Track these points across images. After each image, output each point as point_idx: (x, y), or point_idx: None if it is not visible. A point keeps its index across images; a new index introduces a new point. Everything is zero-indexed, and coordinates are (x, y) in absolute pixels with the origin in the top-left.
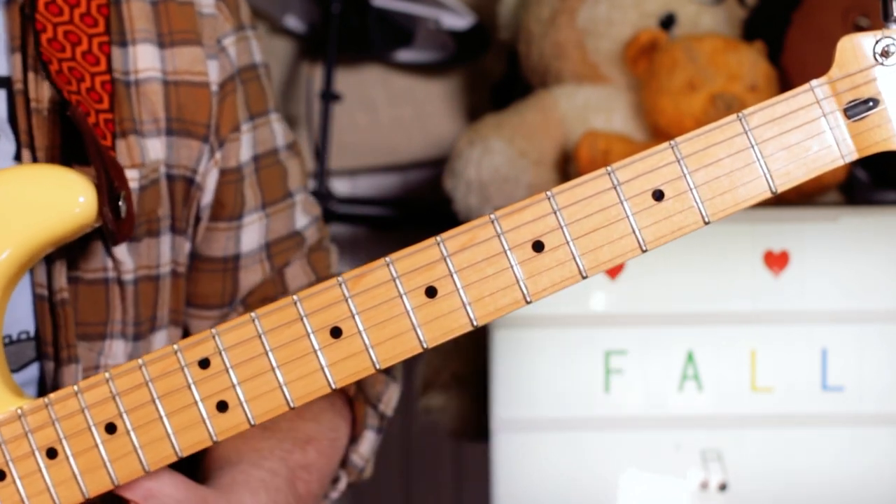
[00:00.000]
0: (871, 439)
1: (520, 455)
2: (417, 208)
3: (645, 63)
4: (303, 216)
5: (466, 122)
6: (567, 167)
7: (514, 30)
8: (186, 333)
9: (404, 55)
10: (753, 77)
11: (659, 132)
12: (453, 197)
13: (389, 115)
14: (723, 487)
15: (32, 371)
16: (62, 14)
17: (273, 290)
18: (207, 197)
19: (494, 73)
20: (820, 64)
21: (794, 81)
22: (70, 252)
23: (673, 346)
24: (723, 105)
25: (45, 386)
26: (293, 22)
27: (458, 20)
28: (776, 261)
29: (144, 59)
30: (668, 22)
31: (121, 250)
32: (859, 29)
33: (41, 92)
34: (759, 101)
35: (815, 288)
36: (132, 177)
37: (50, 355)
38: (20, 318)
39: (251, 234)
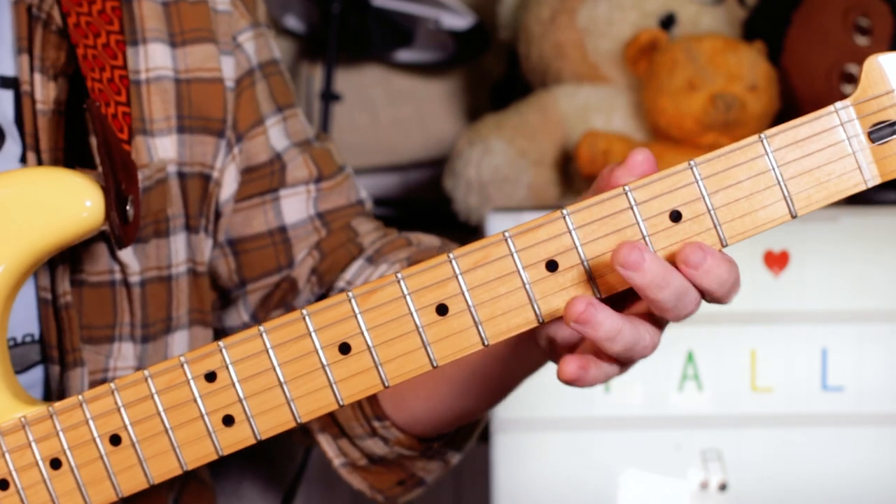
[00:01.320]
0: (871, 439)
1: (519, 455)
2: (417, 208)
3: (645, 63)
4: (362, 189)
5: (466, 122)
6: (567, 167)
7: (514, 30)
8: (252, 313)
9: (404, 55)
10: (753, 77)
11: (659, 132)
12: (453, 197)
13: (389, 115)
14: (723, 487)
15: (37, 373)
16: (82, 6)
17: (344, 236)
18: (227, 192)
19: (494, 73)
20: (820, 64)
21: (794, 81)
22: (74, 255)
23: (673, 346)
24: (723, 105)
25: (51, 389)
26: (293, 22)
27: (458, 20)
28: (776, 261)
29: (155, 58)
30: (668, 22)
31: (126, 253)
32: (860, 29)
33: (47, 93)
34: (759, 100)
35: (815, 288)
36: None
37: (55, 359)
38: (24, 320)
39: (296, 204)
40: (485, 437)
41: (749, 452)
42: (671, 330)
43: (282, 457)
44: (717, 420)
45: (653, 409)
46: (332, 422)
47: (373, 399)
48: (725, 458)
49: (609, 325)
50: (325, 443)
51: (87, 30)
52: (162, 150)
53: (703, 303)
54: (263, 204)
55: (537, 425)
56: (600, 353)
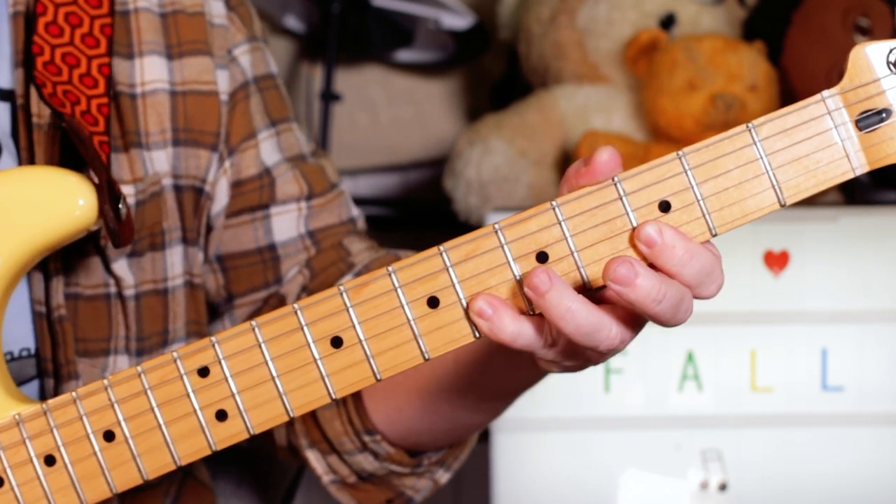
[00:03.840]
0: (871, 439)
1: (519, 455)
2: (417, 208)
3: (645, 63)
4: (354, 206)
5: (466, 122)
6: (567, 167)
7: (514, 30)
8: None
9: (404, 55)
10: (753, 77)
11: (659, 132)
12: (453, 197)
13: (389, 115)
14: (723, 487)
15: (33, 388)
16: (62, 35)
17: (335, 254)
18: (218, 206)
19: (494, 73)
20: (820, 64)
21: (794, 81)
22: (69, 268)
23: (673, 346)
24: (723, 105)
25: None
26: (293, 22)
27: (458, 20)
28: (776, 261)
29: (151, 71)
30: (668, 22)
31: (120, 266)
32: (860, 29)
33: (42, 107)
34: (759, 101)
35: (815, 288)
36: (129, 192)
37: (50, 372)
38: (20, 335)
39: (286, 222)
40: (485, 437)
41: (749, 452)
42: (671, 330)
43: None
44: (717, 420)
45: (653, 409)
46: (321, 438)
47: (363, 413)
48: (725, 458)
49: (589, 323)
50: (315, 459)
51: (61, 64)
52: (157, 163)
53: (703, 302)
54: (254, 221)
55: (537, 425)
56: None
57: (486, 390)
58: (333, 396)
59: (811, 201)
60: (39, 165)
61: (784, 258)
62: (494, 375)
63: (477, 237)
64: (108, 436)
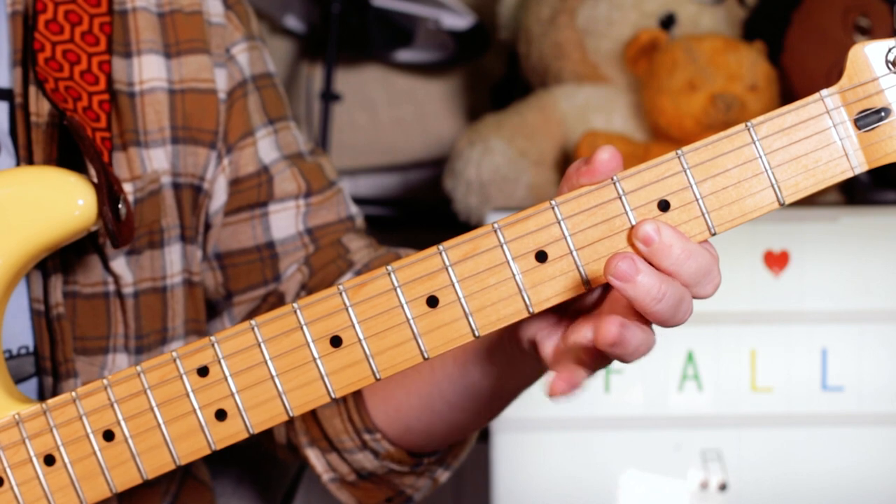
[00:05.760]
0: (871, 439)
1: (519, 455)
2: (417, 208)
3: (645, 63)
4: (353, 204)
5: (466, 122)
6: (567, 167)
7: (514, 30)
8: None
9: (404, 55)
10: (753, 77)
11: (659, 132)
12: (453, 197)
13: (389, 115)
14: (723, 487)
15: (31, 385)
16: (62, 32)
17: (334, 252)
18: (216, 204)
19: (494, 73)
20: (820, 64)
21: (794, 81)
22: (67, 266)
23: (673, 346)
24: (723, 105)
25: (44, 400)
26: (293, 22)
27: (458, 20)
28: (776, 261)
29: (150, 70)
30: (668, 22)
31: (119, 264)
32: (859, 29)
33: (41, 106)
34: (759, 100)
35: (815, 288)
36: (128, 190)
37: (48, 370)
38: (19, 332)
39: (284, 219)
40: (485, 437)
41: (749, 452)
42: (671, 330)
43: None
44: (717, 420)
45: (653, 409)
46: (321, 436)
47: (364, 411)
48: (725, 458)
49: (637, 341)
50: (314, 458)
51: (62, 60)
52: (156, 161)
53: (703, 302)
54: (252, 219)
55: (537, 425)
56: (582, 360)
57: (485, 390)
58: (333, 396)
59: (811, 201)
60: (39, 166)
61: (784, 258)
62: (492, 375)
63: (476, 236)
64: (108, 435)
